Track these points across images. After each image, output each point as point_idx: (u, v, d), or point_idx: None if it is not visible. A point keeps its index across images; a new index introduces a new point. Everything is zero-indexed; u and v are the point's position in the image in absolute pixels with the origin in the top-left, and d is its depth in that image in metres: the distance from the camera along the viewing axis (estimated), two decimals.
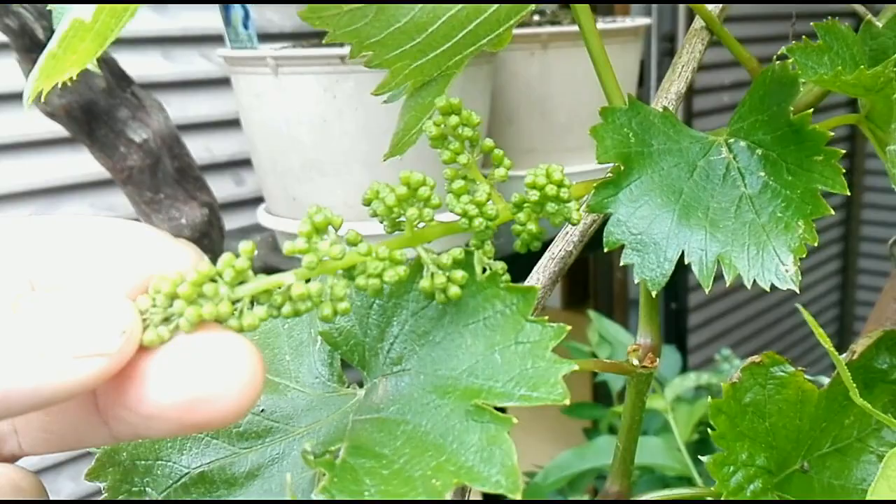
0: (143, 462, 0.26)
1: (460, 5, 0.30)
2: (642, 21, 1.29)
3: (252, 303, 0.21)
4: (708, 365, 2.18)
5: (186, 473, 0.27)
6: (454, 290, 0.24)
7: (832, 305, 2.96)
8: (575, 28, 1.16)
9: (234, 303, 0.20)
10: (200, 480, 0.26)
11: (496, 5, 0.30)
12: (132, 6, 0.24)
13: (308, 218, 0.22)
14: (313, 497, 0.21)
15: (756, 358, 0.31)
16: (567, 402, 0.22)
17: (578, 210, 0.26)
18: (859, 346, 0.33)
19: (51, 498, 0.24)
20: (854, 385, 0.29)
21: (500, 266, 0.26)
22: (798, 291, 0.26)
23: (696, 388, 1.25)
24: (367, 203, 0.25)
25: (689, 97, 2.11)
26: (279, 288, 0.21)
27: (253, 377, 0.20)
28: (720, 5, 0.36)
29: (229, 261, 0.20)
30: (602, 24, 1.24)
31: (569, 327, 0.24)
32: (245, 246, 0.20)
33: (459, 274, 0.24)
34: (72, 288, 0.20)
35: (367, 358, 0.27)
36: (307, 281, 0.21)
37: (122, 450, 0.27)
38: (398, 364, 0.26)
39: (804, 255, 0.26)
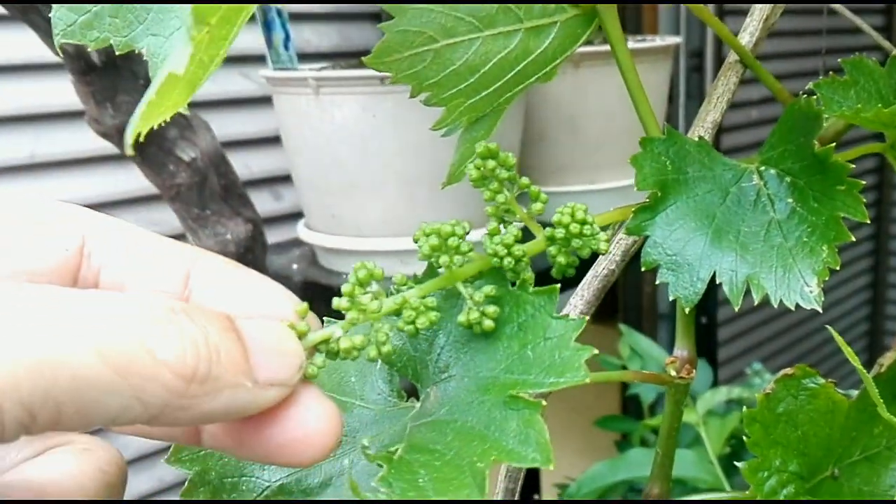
0: (230, 479, 0.29)
1: (510, 48, 0.33)
2: (672, 40, 1.31)
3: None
4: (738, 378, 2.18)
5: (268, 486, 0.29)
6: (488, 324, 0.27)
7: (863, 320, 2.95)
8: (606, 48, 1.18)
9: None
10: (280, 492, 0.29)
11: (543, 47, 0.33)
12: (217, 58, 0.27)
13: (354, 274, 0.25)
14: (372, 485, 0.23)
15: (789, 370, 0.33)
16: (588, 380, 0.25)
17: (608, 240, 0.29)
18: (886, 359, 0.35)
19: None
20: (881, 399, 0.31)
21: (529, 277, 0.28)
22: (821, 311, 0.28)
23: (728, 402, 1.27)
24: (416, 241, 0.28)
25: (718, 135, 2.12)
26: (330, 340, 0.25)
27: (335, 439, 0.23)
28: (755, 38, 0.39)
29: (292, 326, 0.24)
30: (633, 43, 1.27)
31: (587, 317, 0.27)
32: (301, 306, 0.25)
33: (492, 309, 0.27)
34: (266, 320, 0.23)
35: (419, 370, 0.30)
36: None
37: (210, 470, 0.29)
38: (445, 371, 0.29)
39: (827, 278, 0.28)
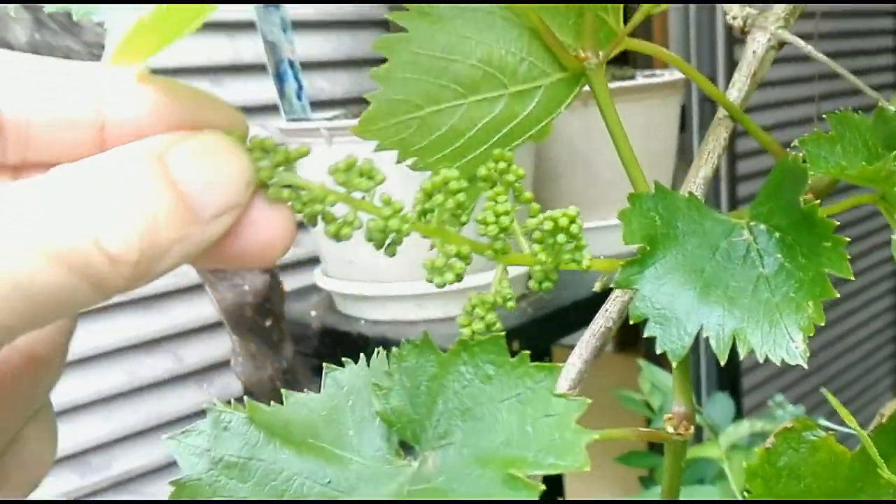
0: None
1: (495, 112, 0.34)
2: (680, 73, 1.31)
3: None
4: (761, 409, 2.16)
5: None
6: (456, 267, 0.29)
7: (888, 342, 2.91)
8: (613, 85, 1.19)
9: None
10: None
11: (528, 110, 0.34)
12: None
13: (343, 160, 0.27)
14: None
15: (788, 423, 0.33)
16: (588, 468, 0.25)
17: (591, 259, 0.30)
18: (887, 409, 0.35)
19: None
20: (883, 454, 0.31)
21: (525, 353, 0.29)
22: (805, 367, 0.28)
23: (751, 435, 1.25)
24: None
25: (732, 186, 2.11)
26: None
27: (290, 241, 0.24)
28: (743, 93, 0.39)
29: (261, 143, 0.24)
30: (642, 79, 1.28)
31: (589, 400, 0.27)
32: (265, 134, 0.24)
33: (458, 263, 0.29)
34: (200, 138, 0.22)
35: (417, 433, 0.30)
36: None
37: None
38: (444, 438, 0.29)
39: (812, 334, 0.28)
